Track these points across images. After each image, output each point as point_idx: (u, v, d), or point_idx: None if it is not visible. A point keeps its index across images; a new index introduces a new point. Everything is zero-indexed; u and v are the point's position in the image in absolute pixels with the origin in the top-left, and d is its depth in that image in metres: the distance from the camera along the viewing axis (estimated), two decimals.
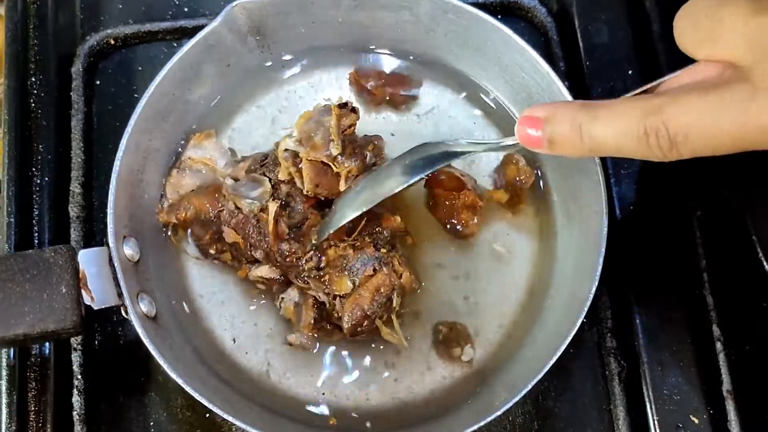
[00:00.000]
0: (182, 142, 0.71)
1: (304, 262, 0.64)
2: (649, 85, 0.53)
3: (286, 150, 0.65)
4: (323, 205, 0.67)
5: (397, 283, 0.64)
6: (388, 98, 0.73)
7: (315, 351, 0.68)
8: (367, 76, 0.73)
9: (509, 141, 0.58)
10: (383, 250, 0.65)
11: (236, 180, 0.67)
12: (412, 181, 0.61)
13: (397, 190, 0.61)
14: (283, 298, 0.66)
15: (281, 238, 0.65)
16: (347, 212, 0.62)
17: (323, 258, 0.64)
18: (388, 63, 0.75)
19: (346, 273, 0.64)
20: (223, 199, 0.67)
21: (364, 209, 0.62)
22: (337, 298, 0.64)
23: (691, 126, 0.46)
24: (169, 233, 0.70)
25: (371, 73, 0.73)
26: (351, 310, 0.63)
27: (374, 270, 0.64)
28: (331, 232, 0.63)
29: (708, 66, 0.49)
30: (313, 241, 0.64)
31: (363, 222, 0.65)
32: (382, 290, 0.63)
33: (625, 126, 0.48)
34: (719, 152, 0.47)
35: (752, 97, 0.44)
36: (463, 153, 0.62)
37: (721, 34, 0.47)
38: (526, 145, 0.53)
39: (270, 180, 0.66)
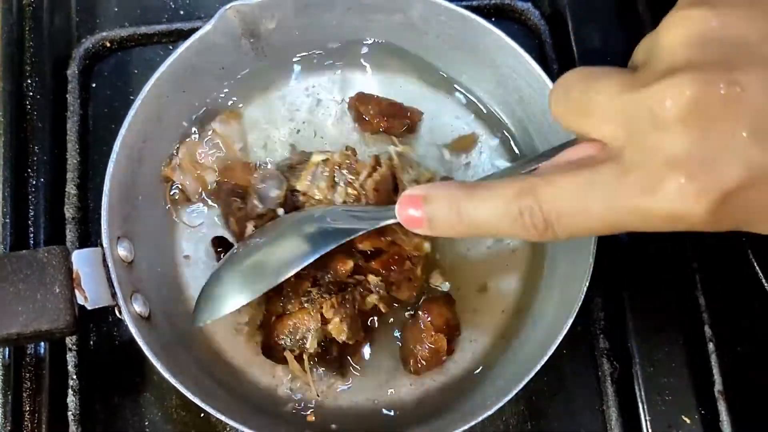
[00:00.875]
0: (176, 144, 0.71)
1: None
2: (533, 164, 0.52)
3: (316, 163, 0.66)
4: None
5: (314, 327, 0.63)
6: (383, 129, 0.73)
7: None
8: (367, 104, 0.72)
9: (390, 221, 0.57)
10: (314, 291, 0.64)
11: (264, 178, 0.68)
12: (311, 259, 0.59)
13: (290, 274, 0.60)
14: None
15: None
16: (234, 298, 0.60)
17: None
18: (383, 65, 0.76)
19: (283, 298, 0.64)
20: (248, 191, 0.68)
21: (254, 296, 0.60)
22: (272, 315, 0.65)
23: (562, 207, 0.45)
24: (171, 193, 0.71)
25: (372, 101, 0.73)
26: (268, 331, 0.65)
27: (301, 305, 0.63)
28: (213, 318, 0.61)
29: (588, 144, 0.47)
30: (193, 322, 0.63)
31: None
32: (297, 326, 0.63)
33: (500, 206, 0.47)
34: (595, 233, 0.47)
35: (620, 179, 0.43)
36: (341, 236, 0.59)
37: (593, 111, 0.45)
38: (407, 226, 0.52)
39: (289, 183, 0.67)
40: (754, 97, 0.39)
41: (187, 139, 0.71)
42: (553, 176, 0.46)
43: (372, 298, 0.65)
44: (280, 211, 0.66)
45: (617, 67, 0.47)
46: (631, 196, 0.42)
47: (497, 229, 0.48)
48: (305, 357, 0.64)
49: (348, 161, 0.65)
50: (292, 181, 0.67)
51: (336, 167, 0.65)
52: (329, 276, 0.63)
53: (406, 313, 0.69)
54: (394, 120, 0.72)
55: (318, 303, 0.63)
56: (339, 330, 0.63)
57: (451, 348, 0.67)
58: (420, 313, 0.67)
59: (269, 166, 0.71)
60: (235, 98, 0.74)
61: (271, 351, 0.66)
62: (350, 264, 0.63)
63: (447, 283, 0.69)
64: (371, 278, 0.64)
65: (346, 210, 0.63)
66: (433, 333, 0.66)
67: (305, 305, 0.63)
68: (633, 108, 0.43)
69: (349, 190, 0.65)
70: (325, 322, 0.63)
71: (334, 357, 0.67)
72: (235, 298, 0.60)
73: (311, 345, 0.64)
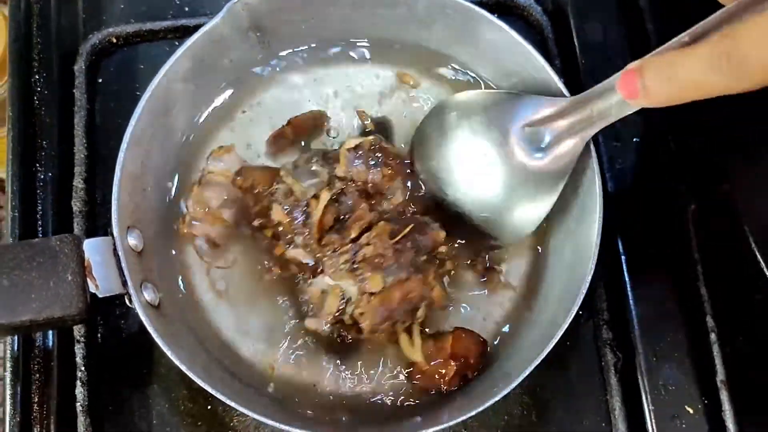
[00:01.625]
0: (184, 137, 0.72)
1: (339, 253, 0.65)
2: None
3: (349, 149, 0.68)
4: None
5: (427, 294, 0.64)
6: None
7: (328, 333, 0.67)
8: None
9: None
10: (423, 258, 0.65)
11: (296, 167, 0.69)
12: None
13: None
14: (311, 282, 0.67)
15: (325, 227, 0.66)
16: None
17: (360, 252, 0.64)
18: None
19: (381, 272, 0.64)
20: (280, 179, 0.68)
21: None
22: (365, 294, 0.64)
23: (760, 42, 0.45)
24: (199, 248, 0.71)
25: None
26: (376, 308, 0.63)
27: (408, 276, 0.64)
28: None
29: None
30: None
31: (410, 228, 0.65)
32: (411, 296, 0.63)
33: (703, 57, 0.48)
34: None
35: None
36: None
37: None
38: (629, 97, 0.55)
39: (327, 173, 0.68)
40: None
41: (192, 192, 0.71)
42: (746, 21, 0.47)
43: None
44: (325, 194, 0.66)
45: None
46: None
47: (703, 82, 0.49)
48: (415, 329, 0.65)
49: (376, 144, 0.68)
50: (329, 169, 0.68)
51: (370, 150, 0.67)
52: (428, 243, 0.65)
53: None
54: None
55: (427, 271, 0.64)
56: (440, 296, 0.65)
57: (453, 382, 0.66)
58: (449, 334, 0.67)
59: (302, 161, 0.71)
60: (241, 91, 0.75)
61: (379, 327, 0.64)
62: (442, 234, 0.66)
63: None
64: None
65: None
66: (448, 358, 0.66)
67: (413, 276, 0.64)
68: None
69: (385, 170, 0.67)
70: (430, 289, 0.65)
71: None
72: None
73: (422, 314, 0.65)
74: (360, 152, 0.68)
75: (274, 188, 0.68)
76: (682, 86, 0.51)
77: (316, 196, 0.66)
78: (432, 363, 0.66)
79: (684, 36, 0.53)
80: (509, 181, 0.67)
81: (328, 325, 0.66)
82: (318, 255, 0.66)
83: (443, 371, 0.66)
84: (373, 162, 0.67)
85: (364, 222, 0.65)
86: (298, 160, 0.70)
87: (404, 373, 0.68)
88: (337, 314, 0.65)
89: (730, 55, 0.46)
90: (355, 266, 0.64)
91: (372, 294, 0.63)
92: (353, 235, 0.65)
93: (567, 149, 0.64)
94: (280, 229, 0.67)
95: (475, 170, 0.68)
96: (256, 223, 0.69)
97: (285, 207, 0.67)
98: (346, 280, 0.64)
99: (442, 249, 0.67)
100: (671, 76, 0.51)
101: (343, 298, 0.65)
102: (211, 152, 0.72)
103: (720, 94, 0.48)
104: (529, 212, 0.67)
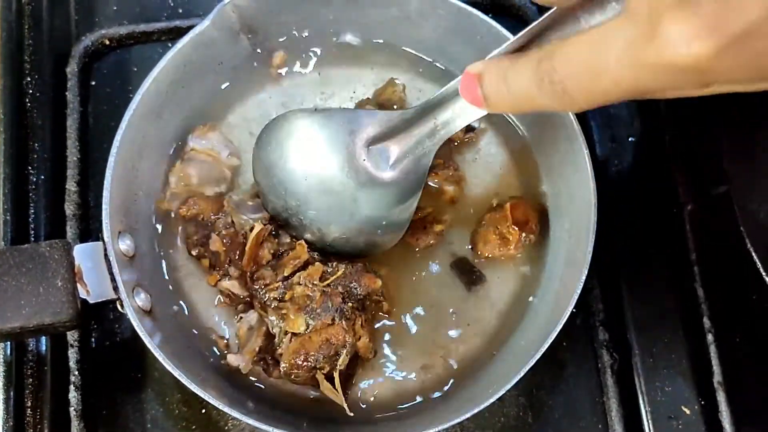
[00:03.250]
0: (175, 140, 0.72)
1: (265, 290, 0.64)
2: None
3: None
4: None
5: (350, 342, 0.63)
6: None
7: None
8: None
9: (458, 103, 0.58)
10: (350, 304, 0.64)
11: (243, 201, 0.69)
12: None
13: None
14: (242, 318, 0.67)
15: (258, 262, 0.66)
16: None
17: (288, 291, 0.63)
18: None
19: (306, 313, 0.63)
20: (223, 210, 0.68)
21: None
22: (288, 334, 0.63)
23: (574, 68, 0.42)
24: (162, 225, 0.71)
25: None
26: (295, 350, 0.62)
27: (333, 321, 0.62)
28: None
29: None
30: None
31: (341, 272, 0.64)
32: (332, 341, 0.62)
33: (530, 73, 0.45)
34: (612, 97, 0.42)
35: (625, 28, 0.39)
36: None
37: None
38: (472, 103, 0.51)
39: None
40: None
41: (174, 167, 0.70)
42: (567, 40, 0.43)
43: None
44: (258, 227, 0.66)
45: None
46: (635, 45, 0.39)
47: (531, 98, 0.46)
48: (336, 375, 0.63)
49: None
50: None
51: None
52: (361, 290, 0.64)
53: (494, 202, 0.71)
54: None
55: (354, 318, 0.63)
56: (366, 347, 0.64)
57: (518, 247, 0.69)
58: (507, 204, 0.69)
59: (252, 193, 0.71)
60: (232, 94, 0.74)
61: (296, 371, 0.63)
62: (378, 282, 0.65)
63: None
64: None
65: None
66: (509, 224, 0.68)
67: (337, 321, 0.63)
68: None
69: None
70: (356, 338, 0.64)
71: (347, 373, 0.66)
72: None
73: (343, 362, 0.63)
74: None
75: (217, 217, 0.68)
76: (518, 100, 0.48)
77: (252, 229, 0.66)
78: (497, 233, 0.69)
79: (521, 36, 0.51)
80: (362, 200, 0.65)
81: (248, 363, 0.65)
82: (249, 289, 0.66)
83: (508, 237, 0.69)
84: None
85: (299, 261, 0.65)
86: (246, 195, 0.70)
87: (473, 252, 0.70)
88: (258, 353, 0.65)
89: (551, 78, 0.44)
90: (281, 304, 0.63)
91: (294, 335, 0.63)
92: (286, 273, 0.64)
93: (414, 165, 0.64)
94: (219, 259, 0.67)
95: (323, 190, 0.66)
96: (194, 252, 0.69)
97: (225, 239, 0.67)
98: (273, 317, 0.64)
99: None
100: (507, 87, 0.48)
101: (267, 337, 0.65)
102: (194, 129, 0.71)
103: (557, 111, 0.46)
104: (389, 230, 0.67)
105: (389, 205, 0.65)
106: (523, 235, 0.69)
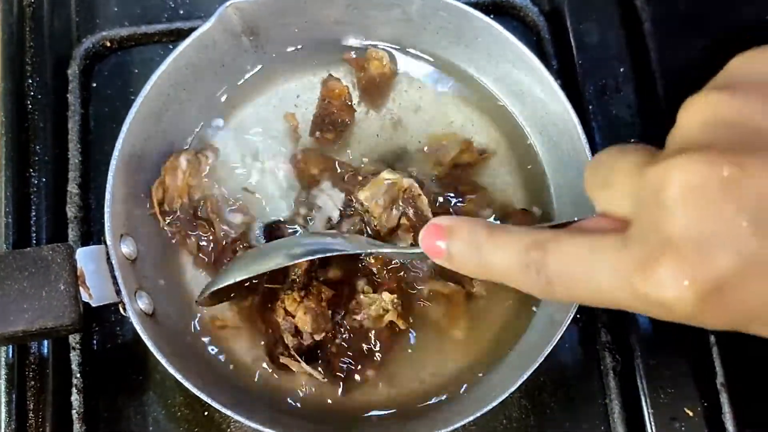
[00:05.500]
0: (176, 141, 0.72)
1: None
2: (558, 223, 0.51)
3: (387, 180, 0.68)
4: None
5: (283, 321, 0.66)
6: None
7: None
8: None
9: (414, 249, 0.57)
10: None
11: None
12: (289, 263, 0.61)
13: (274, 268, 0.61)
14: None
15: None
16: (232, 275, 0.62)
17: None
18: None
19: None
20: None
21: (246, 276, 0.61)
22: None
23: (566, 268, 0.43)
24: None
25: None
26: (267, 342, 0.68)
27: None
28: (212, 290, 0.62)
29: (604, 218, 0.45)
30: (197, 300, 0.66)
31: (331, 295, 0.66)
32: (278, 323, 0.66)
33: (513, 254, 0.45)
34: (592, 304, 0.44)
35: (620, 251, 0.40)
36: (360, 252, 0.65)
37: (612, 184, 0.44)
38: (428, 253, 0.51)
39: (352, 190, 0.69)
40: (758, 183, 0.36)
41: (169, 159, 0.70)
42: (563, 235, 0.44)
43: (388, 316, 0.66)
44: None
45: (647, 146, 0.44)
46: (626, 271, 0.40)
47: (508, 276, 0.46)
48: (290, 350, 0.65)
49: (413, 191, 0.67)
50: (355, 189, 0.68)
51: (401, 192, 0.67)
52: (298, 276, 0.66)
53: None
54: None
55: (286, 299, 0.65)
56: (303, 322, 0.64)
57: None
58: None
59: None
60: (234, 96, 0.74)
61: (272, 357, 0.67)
62: (339, 273, 0.67)
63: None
64: (386, 295, 0.65)
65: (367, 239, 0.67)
66: None
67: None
68: (643, 184, 0.41)
69: (403, 221, 0.67)
70: (289, 315, 0.65)
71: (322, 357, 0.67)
72: (236, 272, 0.61)
73: (287, 339, 0.65)
74: (392, 188, 0.67)
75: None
76: (489, 271, 0.47)
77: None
78: None
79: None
80: None
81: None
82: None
83: None
84: (396, 206, 0.67)
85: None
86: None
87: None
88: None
89: (538, 269, 0.44)
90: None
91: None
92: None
93: None
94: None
95: None
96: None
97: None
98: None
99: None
100: (479, 257, 0.47)
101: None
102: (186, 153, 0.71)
103: (529, 293, 0.47)
104: None
105: None
106: None
